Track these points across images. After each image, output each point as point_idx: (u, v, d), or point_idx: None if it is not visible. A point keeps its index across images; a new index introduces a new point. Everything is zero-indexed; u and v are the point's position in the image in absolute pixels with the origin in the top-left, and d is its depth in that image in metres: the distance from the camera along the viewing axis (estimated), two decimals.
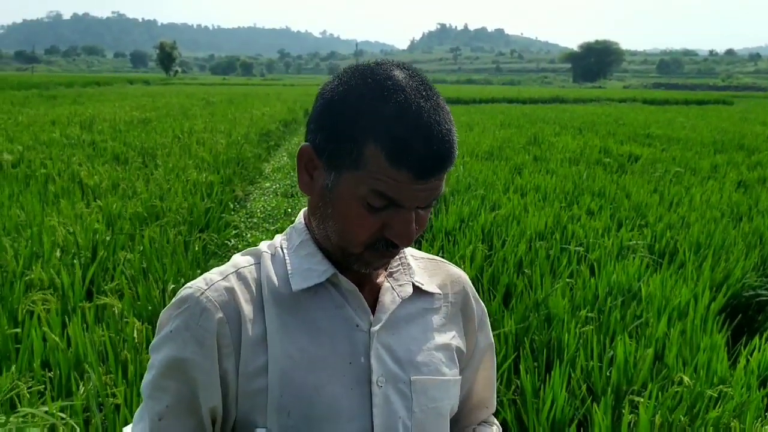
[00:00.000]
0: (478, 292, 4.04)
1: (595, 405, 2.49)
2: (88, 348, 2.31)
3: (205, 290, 0.88)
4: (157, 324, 0.91)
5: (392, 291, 0.96)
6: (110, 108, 17.50)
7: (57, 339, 2.39)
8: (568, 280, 3.92)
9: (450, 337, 1.00)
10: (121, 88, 38.93)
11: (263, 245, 0.98)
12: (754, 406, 2.29)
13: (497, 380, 2.86)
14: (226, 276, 0.91)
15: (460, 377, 1.01)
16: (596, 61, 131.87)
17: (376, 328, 0.91)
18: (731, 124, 17.50)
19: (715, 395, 2.46)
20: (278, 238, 0.99)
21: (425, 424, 0.92)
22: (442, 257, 5.06)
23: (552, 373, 2.68)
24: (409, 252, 1.05)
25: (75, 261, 3.52)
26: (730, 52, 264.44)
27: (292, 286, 0.90)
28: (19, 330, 2.58)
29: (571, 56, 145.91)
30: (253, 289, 0.91)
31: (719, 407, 2.39)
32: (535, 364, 3.00)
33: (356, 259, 0.88)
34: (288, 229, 0.99)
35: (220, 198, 6.10)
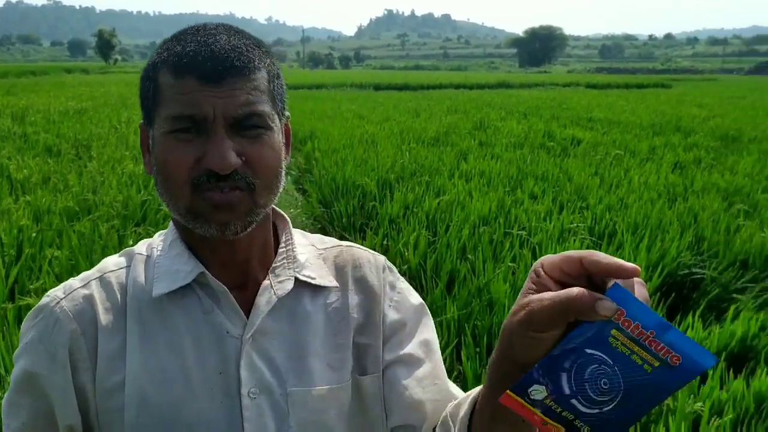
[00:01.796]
0: (422, 280, 4.05)
1: None
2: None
3: (61, 299, 0.80)
4: (20, 333, 0.84)
5: (270, 289, 0.84)
6: (45, 98, 16.84)
7: None
8: (510, 264, 3.93)
9: (347, 336, 0.87)
10: (58, 78, 37.54)
11: (140, 245, 0.89)
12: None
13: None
14: (88, 282, 0.83)
15: (364, 377, 0.87)
16: (541, 46, 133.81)
17: (248, 335, 0.81)
18: (669, 106, 17.98)
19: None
20: (157, 237, 0.90)
21: None
22: (387, 245, 4.99)
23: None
24: (310, 240, 0.94)
25: None
26: (668, 37, 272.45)
27: (154, 291, 0.81)
28: None
29: (516, 42, 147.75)
30: (118, 296, 0.82)
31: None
32: (477, 349, 2.99)
33: (191, 215, 0.76)
34: (168, 227, 0.89)
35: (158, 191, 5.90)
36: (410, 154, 8.06)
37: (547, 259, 0.59)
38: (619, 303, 0.53)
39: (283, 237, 0.89)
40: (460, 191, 5.78)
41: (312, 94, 24.08)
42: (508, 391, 0.58)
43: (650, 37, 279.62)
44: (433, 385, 0.88)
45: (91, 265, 2.65)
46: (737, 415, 2.25)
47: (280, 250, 0.87)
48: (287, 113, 0.84)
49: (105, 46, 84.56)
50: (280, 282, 0.84)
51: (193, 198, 0.75)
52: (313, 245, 0.94)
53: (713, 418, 2.18)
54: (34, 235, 3.89)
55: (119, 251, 0.92)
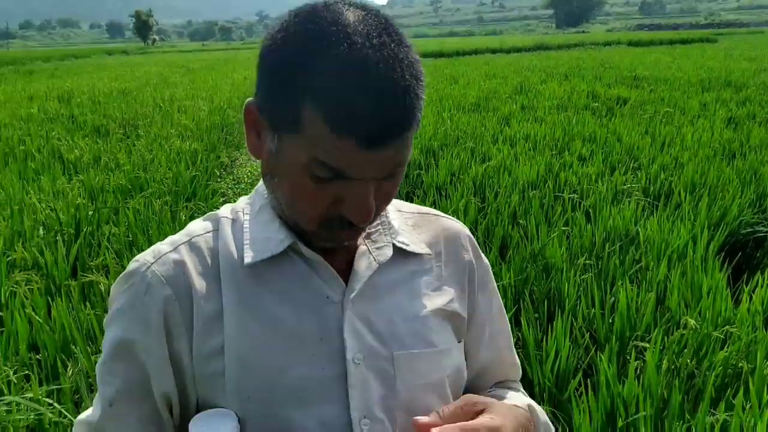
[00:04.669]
0: None
1: (599, 353, 2.45)
2: (74, 329, 2.22)
3: (152, 264, 0.79)
4: (108, 299, 0.82)
5: (368, 255, 0.83)
6: (89, 80, 17.11)
7: (42, 321, 2.31)
8: (563, 228, 3.85)
9: (444, 302, 0.87)
10: (100, 60, 38.13)
11: (224, 209, 0.87)
12: (763, 345, 2.24)
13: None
14: (177, 247, 0.81)
15: (458, 344, 0.89)
16: (578, 5, 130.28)
17: (350, 298, 0.79)
18: (717, 62, 17.34)
19: (722, 336, 2.41)
20: (242, 201, 0.88)
21: (413, 403, 0.80)
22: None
23: (554, 323, 2.63)
24: (396, 206, 0.92)
25: (58, 238, 3.41)
26: None
27: (250, 257, 0.79)
28: (2, 313, 2.49)
29: (553, 2, 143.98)
30: (208, 260, 0.80)
31: (726, 349, 2.35)
32: (536, 315, 2.94)
33: (312, 235, 0.77)
34: (253, 191, 0.87)
35: (206, 166, 5.95)
36: (451, 121, 7.95)
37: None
38: None
39: None
40: (506, 156, 5.68)
41: None
42: None
43: None
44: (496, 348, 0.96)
45: (149, 241, 2.68)
46: None
47: None
48: None
49: (142, 26, 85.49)
50: (378, 248, 0.84)
51: (319, 229, 0.75)
52: (400, 210, 0.93)
53: None
54: (90, 213, 3.96)
55: (173, 226, 0.90)
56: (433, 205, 4.79)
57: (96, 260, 3.29)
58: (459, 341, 0.89)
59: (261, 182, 0.86)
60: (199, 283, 0.78)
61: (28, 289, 2.74)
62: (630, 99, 9.62)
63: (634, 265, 3.23)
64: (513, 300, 3.12)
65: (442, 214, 0.97)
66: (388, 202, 0.76)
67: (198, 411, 0.77)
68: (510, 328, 1.01)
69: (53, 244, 3.37)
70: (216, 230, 0.83)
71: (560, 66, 17.82)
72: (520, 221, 4.13)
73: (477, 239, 3.97)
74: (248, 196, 0.88)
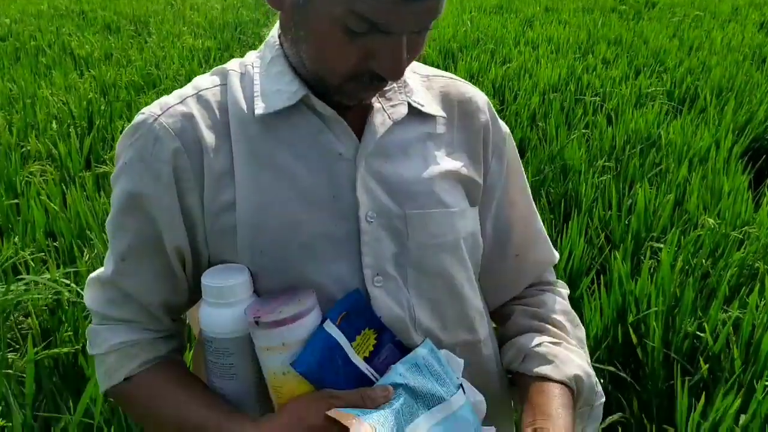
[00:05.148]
0: None
1: (614, 252, 2.43)
2: (89, 216, 2.23)
3: (159, 116, 0.75)
4: (115, 153, 0.79)
5: (383, 112, 0.78)
6: None
7: (57, 208, 2.32)
8: (584, 131, 3.77)
9: (457, 166, 0.83)
10: None
11: (232, 63, 0.82)
12: None
13: None
14: (184, 99, 0.77)
15: (473, 209, 0.85)
16: None
17: (363, 155, 0.76)
18: None
19: (740, 237, 2.38)
20: (251, 55, 0.82)
21: (424, 262, 0.78)
22: None
23: (569, 223, 2.61)
24: (411, 67, 0.87)
25: (71, 131, 3.38)
26: None
27: (260, 109, 0.75)
28: (18, 201, 2.50)
29: None
30: (217, 114, 0.76)
31: (743, 249, 2.32)
32: (552, 216, 2.92)
33: (336, 90, 0.73)
34: (263, 45, 0.82)
35: (220, 64, 5.84)
36: (472, 22, 7.67)
37: None
38: None
39: None
40: (527, 59, 5.51)
41: None
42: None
43: None
44: (515, 257, 0.91)
45: None
46: None
47: None
48: None
49: None
50: (393, 106, 0.79)
51: (346, 83, 0.71)
52: (415, 72, 0.87)
53: None
54: (102, 107, 3.91)
55: None
56: None
57: (110, 152, 3.28)
58: (473, 205, 0.86)
59: (271, 34, 0.81)
60: (209, 137, 0.75)
61: (43, 180, 2.74)
62: (659, 2, 9.20)
63: (654, 168, 3.17)
64: None
65: (459, 78, 0.91)
66: (416, 56, 0.72)
67: (211, 266, 0.76)
68: (533, 205, 0.95)
69: (66, 136, 3.35)
70: (224, 84, 0.79)
71: None
72: (539, 123, 4.04)
73: None
74: (258, 50, 0.83)
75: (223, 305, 0.70)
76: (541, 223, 0.95)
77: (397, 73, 0.68)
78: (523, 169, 0.95)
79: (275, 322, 0.66)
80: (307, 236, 0.74)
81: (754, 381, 1.69)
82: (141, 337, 0.78)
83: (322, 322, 0.69)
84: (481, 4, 9.56)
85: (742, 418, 1.69)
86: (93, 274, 0.81)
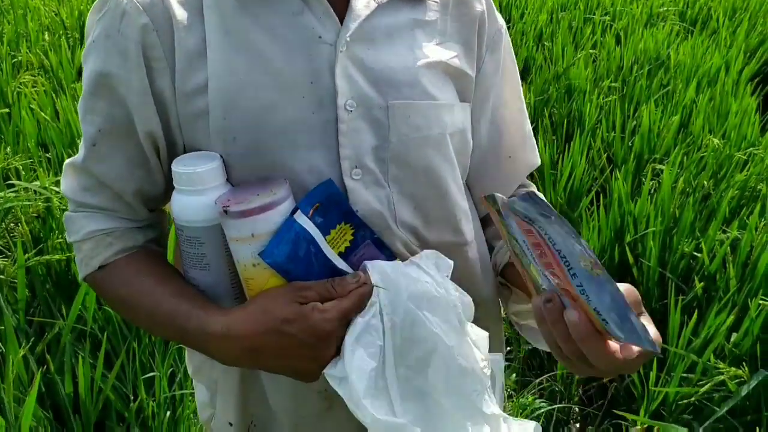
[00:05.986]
0: None
1: (616, 172, 2.40)
2: (80, 125, 2.19)
3: None
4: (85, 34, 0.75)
5: None
6: None
7: (48, 118, 2.27)
8: (591, 51, 3.66)
9: (447, 57, 0.78)
10: None
11: None
12: None
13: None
14: None
15: (463, 104, 0.81)
16: None
17: (344, 39, 0.71)
18: None
19: (745, 157, 2.34)
20: None
21: (407, 156, 0.74)
22: None
23: (571, 143, 2.56)
24: None
25: (62, 42, 3.28)
26: None
27: None
28: (9, 110, 2.45)
29: None
30: None
31: (746, 171, 2.28)
32: (554, 137, 2.87)
33: None
34: None
35: None
36: None
37: None
38: None
39: None
40: None
41: None
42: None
43: None
44: (507, 158, 0.88)
45: None
46: None
47: None
48: None
49: None
50: None
51: None
52: None
53: None
54: None
55: None
56: None
57: None
58: (464, 101, 0.82)
59: None
60: (180, 13, 0.70)
61: (35, 90, 2.68)
62: None
63: (661, 89, 3.09)
64: (532, 120, 3.03)
65: None
66: None
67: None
68: (524, 104, 0.91)
69: (58, 47, 3.26)
70: None
71: None
72: (546, 43, 3.92)
73: None
74: None
75: (193, 192, 0.68)
76: (530, 125, 0.92)
77: None
78: (516, 67, 0.91)
79: (244, 211, 0.64)
80: (282, 122, 0.70)
81: (749, 300, 1.69)
82: (116, 226, 0.76)
83: (293, 212, 0.66)
84: None
85: (734, 336, 1.70)
86: (68, 160, 0.78)
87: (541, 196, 0.73)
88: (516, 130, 0.89)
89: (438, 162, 0.77)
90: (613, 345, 0.63)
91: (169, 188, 0.76)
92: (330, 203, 0.68)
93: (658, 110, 2.80)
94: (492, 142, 0.87)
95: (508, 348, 2.02)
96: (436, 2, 0.79)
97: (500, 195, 0.64)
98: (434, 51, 0.77)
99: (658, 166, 2.46)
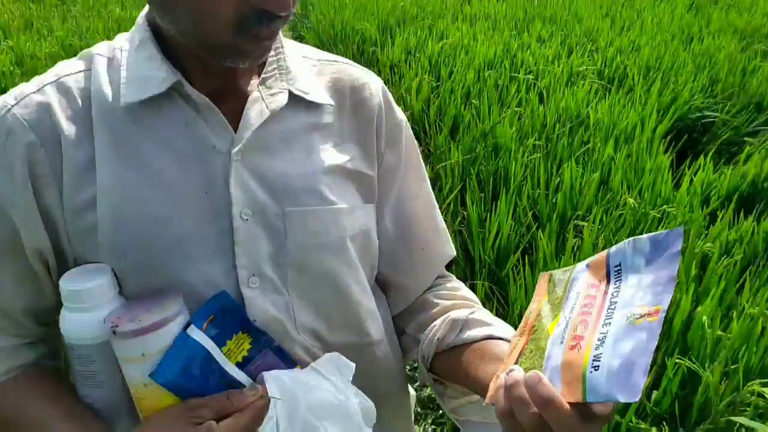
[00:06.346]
0: (425, 126, 3.93)
1: (540, 231, 2.46)
2: None
3: (12, 107, 0.69)
4: None
5: (261, 102, 0.73)
6: None
7: None
8: (516, 108, 3.79)
9: (345, 159, 0.79)
10: None
11: (100, 46, 0.76)
12: (696, 224, 2.28)
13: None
14: (42, 87, 0.71)
15: (366, 206, 0.81)
16: None
17: (237, 148, 0.71)
18: None
19: (659, 216, 2.45)
20: (121, 38, 0.76)
21: (305, 262, 0.74)
22: (389, 90, 4.87)
23: (498, 202, 2.62)
24: (302, 51, 0.82)
25: None
26: None
27: (126, 97, 0.69)
28: None
29: None
30: (79, 102, 0.70)
31: (662, 227, 2.38)
32: (482, 194, 2.94)
33: (226, 50, 0.66)
34: (134, 26, 0.76)
35: None
36: None
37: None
38: None
39: (274, 44, 0.76)
40: (464, 35, 5.50)
41: None
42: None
43: None
44: (420, 250, 0.88)
45: None
46: (746, 255, 2.23)
47: (270, 59, 0.76)
48: None
49: None
50: (272, 95, 0.74)
51: (235, 37, 0.65)
52: (306, 57, 0.82)
53: (722, 258, 2.16)
54: (18, 80, 3.71)
55: None
56: (387, 83, 4.64)
57: None
58: (367, 203, 0.82)
59: (141, 15, 0.75)
60: (69, 129, 0.69)
61: None
62: None
63: (582, 147, 3.22)
64: (460, 178, 3.10)
65: (353, 63, 0.86)
66: None
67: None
68: (433, 197, 0.92)
69: None
70: (89, 70, 0.73)
71: None
72: (474, 101, 4.04)
73: (428, 119, 3.91)
74: (125, 33, 0.77)
75: (82, 309, 0.66)
76: (441, 215, 0.93)
77: (283, 1, 0.64)
78: (421, 159, 0.92)
79: (134, 331, 0.62)
80: (174, 235, 0.69)
81: (666, 358, 1.74)
82: (4, 345, 0.73)
83: (186, 327, 0.65)
84: None
85: (654, 394, 1.75)
86: None
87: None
88: (427, 222, 0.90)
89: (337, 266, 0.77)
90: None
91: (60, 301, 0.74)
92: (225, 314, 0.67)
93: (580, 167, 2.91)
94: (402, 236, 0.87)
95: None
96: (332, 104, 0.79)
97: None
98: (332, 154, 0.77)
99: (581, 223, 2.54)
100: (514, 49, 5.05)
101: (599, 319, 0.58)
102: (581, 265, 0.65)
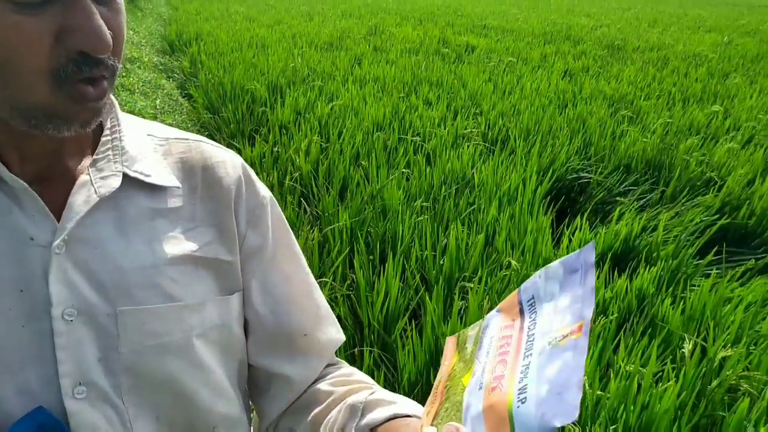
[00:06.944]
0: (314, 188, 3.91)
1: (427, 294, 2.46)
2: None
3: None
4: None
5: (89, 186, 0.66)
6: None
7: None
8: (404, 170, 3.85)
9: (196, 247, 0.71)
10: None
11: None
12: None
13: (325, 282, 2.77)
14: None
15: (224, 297, 0.74)
16: None
17: (59, 240, 0.63)
18: (559, 15, 18.21)
19: None
20: None
21: (142, 366, 0.66)
22: (277, 152, 4.79)
23: (386, 265, 2.61)
24: (147, 130, 0.75)
25: None
26: None
27: None
28: None
29: None
30: None
31: None
32: (371, 257, 2.92)
33: (46, 114, 0.58)
34: None
35: None
36: (302, 58, 7.70)
37: None
38: None
39: (108, 122, 0.70)
40: (354, 96, 5.60)
41: None
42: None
43: None
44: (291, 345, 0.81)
45: None
46: (621, 314, 2.32)
47: (103, 139, 0.69)
48: None
49: None
50: (102, 178, 0.67)
51: (54, 94, 0.57)
52: (151, 135, 0.75)
53: (599, 318, 2.23)
54: None
55: None
56: (275, 143, 4.61)
57: None
58: (227, 293, 0.75)
59: None
60: None
61: None
62: (478, 47, 9.84)
63: (468, 208, 3.29)
64: (348, 242, 3.08)
65: (208, 140, 0.80)
66: (120, 38, 0.60)
67: None
68: (311, 277, 0.85)
69: None
70: None
71: (416, 11, 17.87)
72: (363, 162, 4.08)
73: (317, 180, 3.89)
74: None
75: None
76: (323, 296, 0.85)
77: (101, 37, 0.56)
78: (293, 237, 0.85)
79: None
80: None
81: None
82: None
83: None
84: (313, 40, 9.66)
85: None
86: None
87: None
88: (306, 306, 0.82)
89: (181, 369, 0.69)
90: None
91: None
92: None
93: (465, 229, 2.97)
94: (279, 323, 0.79)
95: None
96: (179, 187, 0.73)
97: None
98: (179, 243, 0.71)
99: (467, 284, 2.57)
100: (402, 111, 5.18)
101: (518, 354, 0.54)
102: (491, 313, 0.62)
